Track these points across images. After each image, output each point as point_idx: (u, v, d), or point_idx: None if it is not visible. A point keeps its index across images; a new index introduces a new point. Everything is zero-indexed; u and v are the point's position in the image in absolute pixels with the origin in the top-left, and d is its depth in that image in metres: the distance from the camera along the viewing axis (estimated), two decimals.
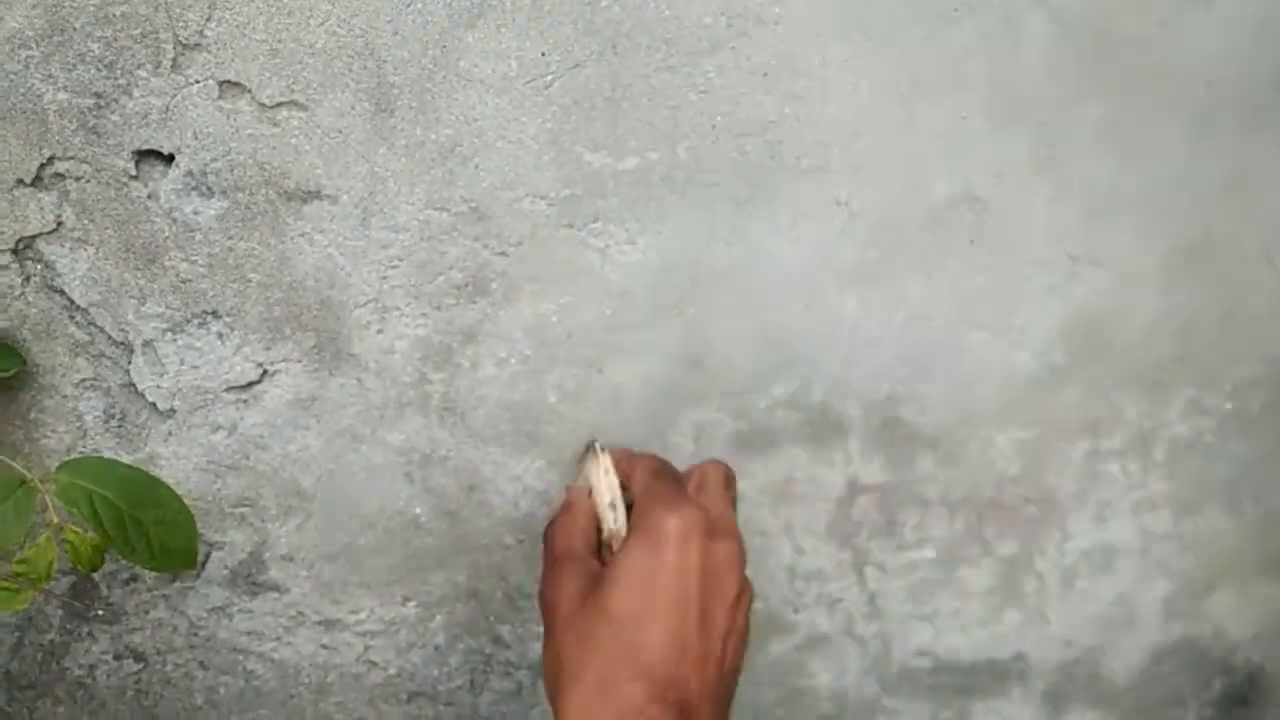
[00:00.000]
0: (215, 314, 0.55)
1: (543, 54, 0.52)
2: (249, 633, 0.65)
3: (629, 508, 0.54)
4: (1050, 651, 0.77)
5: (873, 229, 0.60)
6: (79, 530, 0.51)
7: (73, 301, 0.54)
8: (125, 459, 0.58)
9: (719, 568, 0.49)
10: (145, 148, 0.51)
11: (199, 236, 0.53)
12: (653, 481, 0.52)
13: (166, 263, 0.53)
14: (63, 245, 0.52)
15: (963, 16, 0.55)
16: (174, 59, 0.49)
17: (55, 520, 0.51)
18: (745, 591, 0.51)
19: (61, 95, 0.49)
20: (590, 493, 0.55)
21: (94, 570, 0.51)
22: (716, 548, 0.49)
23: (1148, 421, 0.70)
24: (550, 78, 0.53)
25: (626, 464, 0.55)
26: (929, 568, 0.72)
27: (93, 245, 0.53)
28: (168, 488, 0.53)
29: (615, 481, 0.55)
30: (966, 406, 0.66)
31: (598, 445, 0.56)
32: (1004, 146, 0.59)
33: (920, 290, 0.62)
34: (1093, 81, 0.59)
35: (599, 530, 0.54)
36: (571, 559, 0.52)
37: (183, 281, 0.54)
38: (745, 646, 0.52)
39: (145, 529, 0.52)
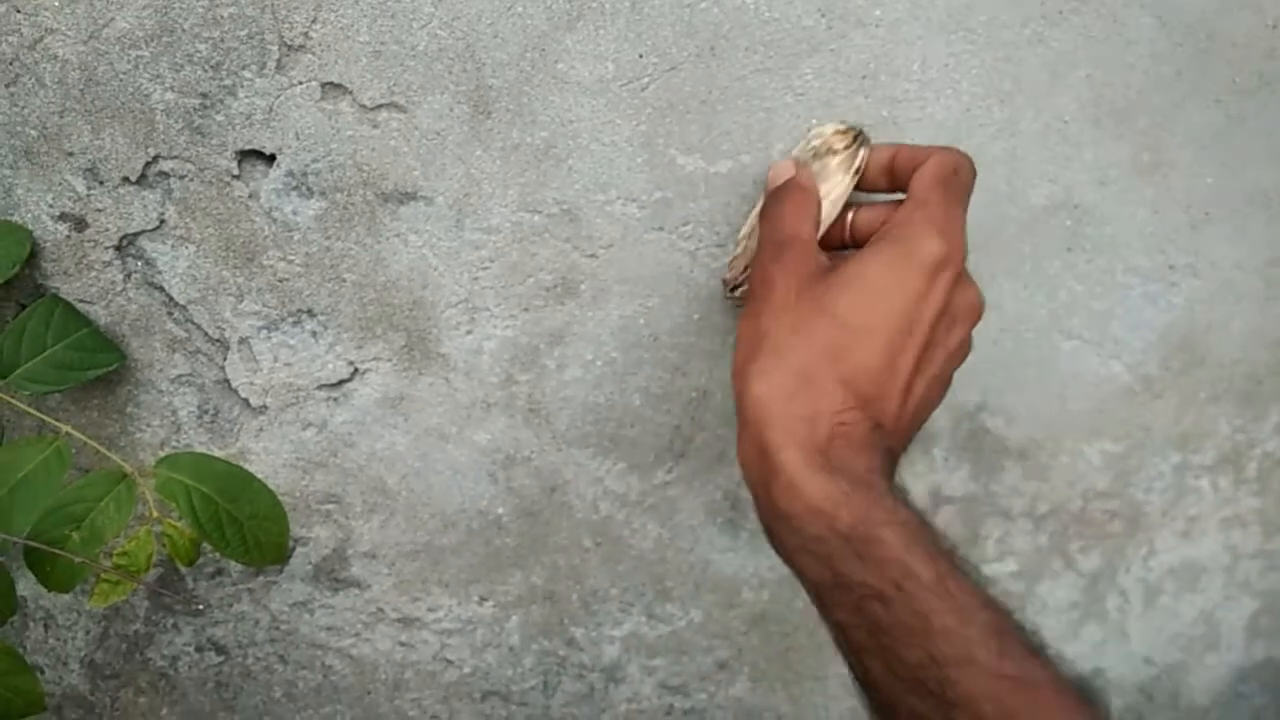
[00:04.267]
0: (310, 312, 0.56)
1: (640, 56, 0.52)
2: (329, 628, 0.65)
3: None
4: (1131, 669, 0.76)
5: (969, 234, 0.59)
6: (176, 524, 0.52)
7: (172, 298, 0.55)
8: (217, 454, 0.58)
9: (957, 313, 0.47)
10: (248, 148, 0.51)
11: (297, 236, 0.54)
12: (932, 190, 0.47)
13: (264, 261, 0.54)
14: (164, 243, 0.53)
15: (1067, 17, 0.54)
16: (279, 60, 0.50)
17: (154, 513, 0.51)
18: (965, 345, 0.48)
19: (169, 95, 0.50)
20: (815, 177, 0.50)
21: (190, 564, 0.52)
22: (963, 292, 0.47)
23: (1240, 436, 0.69)
24: (646, 80, 0.53)
25: (914, 154, 0.49)
26: (1010, 581, 0.70)
27: (193, 243, 0.53)
28: (261, 483, 0.54)
29: (856, 180, 0.49)
30: (1056, 417, 0.65)
31: (862, 131, 0.50)
32: (1105, 152, 0.58)
33: (1015, 298, 0.61)
34: (1198, 86, 0.57)
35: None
36: (801, 243, 0.47)
37: (279, 280, 0.55)
38: (944, 395, 0.49)
39: (240, 524, 0.53)
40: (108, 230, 0.52)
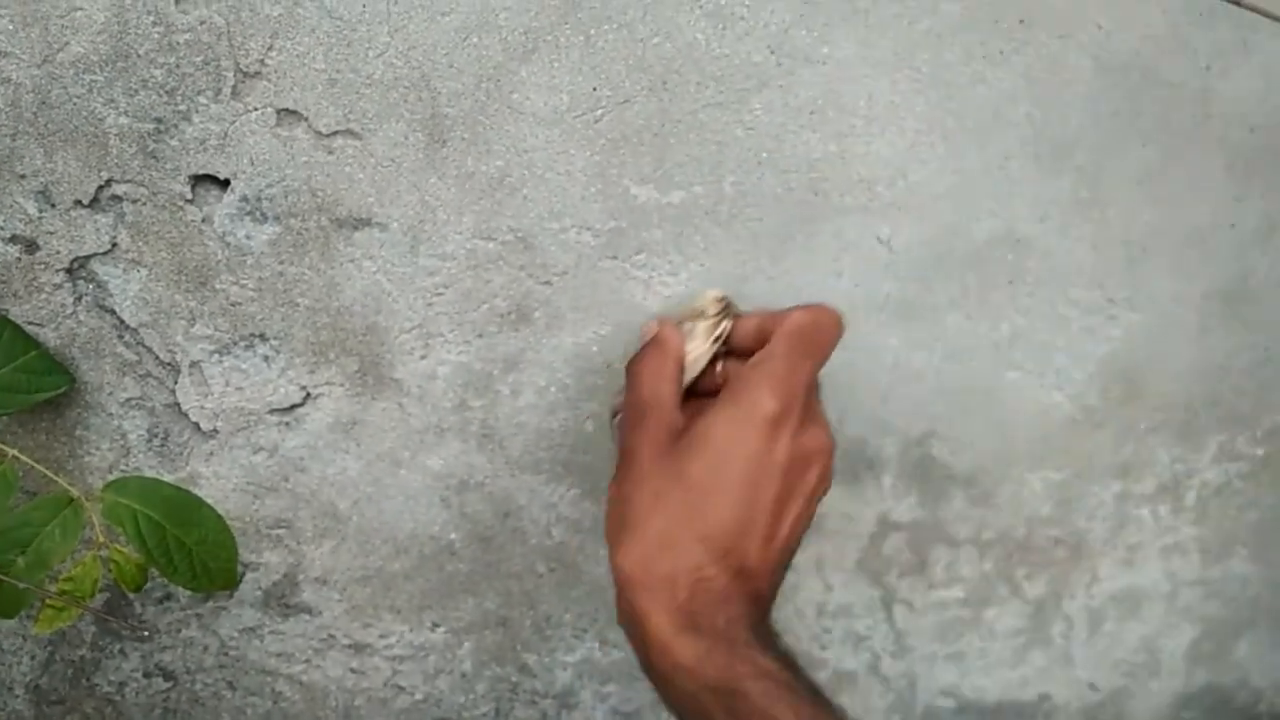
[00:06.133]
0: (262, 337, 0.56)
1: (594, 89, 0.53)
2: (279, 654, 0.65)
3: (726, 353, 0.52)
4: (1075, 694, 0.77)
5: (914, 267, 0.60)
6: (123, 550, 0.51)
7: (123, 321, 0.54)
8: (167, 478, 0.58)
9: (807, 456, 0.48)
10: (202, 172, 0.52)
11: (250, 261, 0.54)
12: (779, 344, 0.49)
13: (217, 286, 0.54)
14: (116, 266, 0.53)
15: (1008, 58, 0.56)
16: (234, 86, 0.50)
17: (101, 538, 0.51)
18: (824, 482, 0.50)
19: (123, 119, 0.50)
20: (684, 334, 0.52)
21: (138, 590, 0.52)
22: (809, 437, 0.48)
23: (1179, 466, 0.70)
24: (600, 112, 0.54)
25: (778, 316, 0.50)
26: (957, 607, 0.71)
27: (145, 267, 0.53)
28: (210, 508, 0.53)
29: (717, 347, 0.52)
30: (1001, 446, 0.67)
31: (732, 303, 0.52)
32: (1046, 188, 0.60)
33: (959, 329, 0.62)
34: (1134, 125, 0.59)
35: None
36: (659, 408, 0.49)
37: (232, 304, 0.55)
38: (808, 527, 0.51)
39: (188, 549, 0.52)
40: (59, 253, 0.52)
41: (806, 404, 0.49)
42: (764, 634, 0.46)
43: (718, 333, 0.52)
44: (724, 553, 0.46)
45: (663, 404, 0.50)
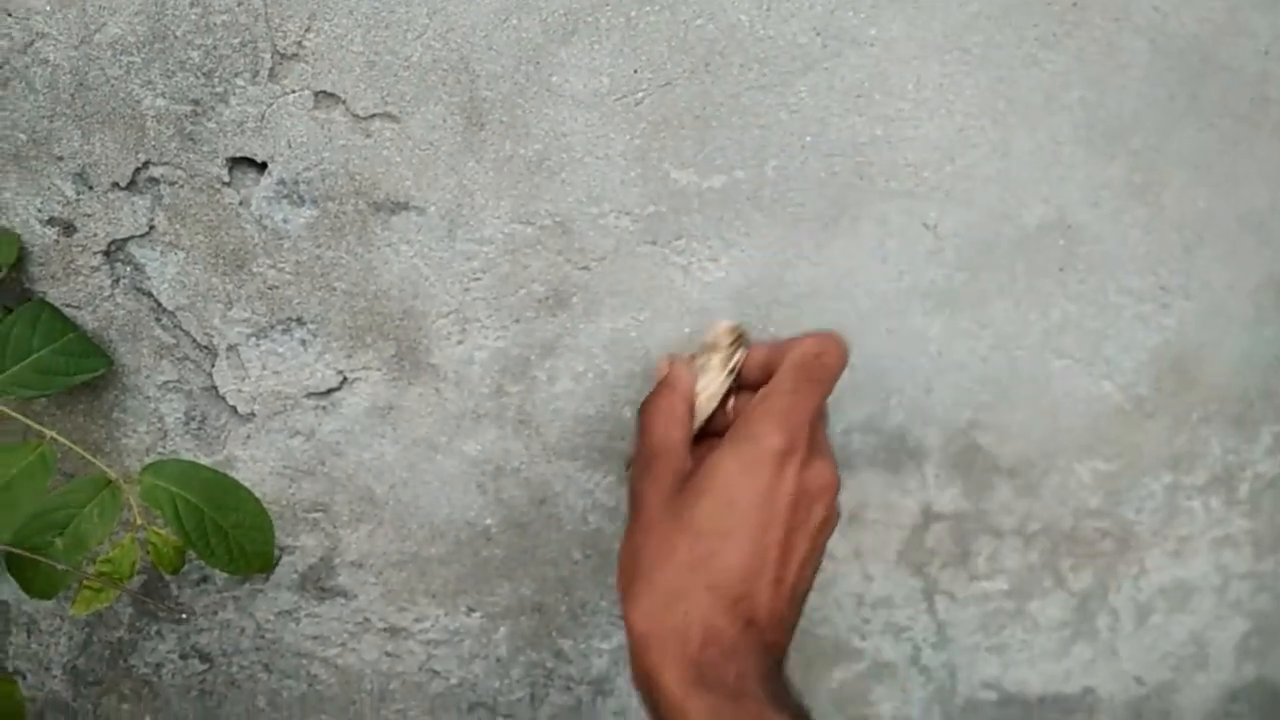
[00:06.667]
0: (300, 321, 0.55)
1: (635, 71, 0.52)
2: (315, 637, 0.65)
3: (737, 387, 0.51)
4: (1120, 688, 0.75)
5: (961, 253, 0.59)
6: (161, 532, 0.51)
7: (160, 304, 0.54)
8: (204, 461, 0.58)
9: (812, 493, 0.48)
10: (239, 155, 0.51)
11: (287, 244, 0.53)
12: (784, 378, 0.48)
13: (254, 269, 0.54)
14: (153, 249, 0.53)
15: (1061, 40, 0.54)
16: (271, 69, 0.49)
17: (139, 520, 0.51)
18: (830, 518, 0.49)
19: (160, 101, 0.50)
20: (697, 369, 0.51)
21: (175, 572, 0.52)
22: (814, 473, 0.48)
23: (1232, 458, 0.69)
24: (641, 95, 0.53)
25: (785, 346, 0.50)
26: (1000, 599, 0.70)
27: (183, 250, 0.53)
28: (247, 491, 0.53)
29: (732, 379, 0.51)
30: (1048, 436, 0.65)
31: (745, 333, 0.52)
32: (1098, 173, 0.58)
33: (1007, 316, 0.61)
34: (1190, 109, 0.57)
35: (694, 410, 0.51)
36: (668, 453, 0.49)
37: (269, 288, 0.54)
38: (819, 568, 0.50)
39: (225, 532, 0.52)
40: (96, 235, 0.52)
41: (812, 438, 0.48)
42: (776, 688, 0.45)
43: (732, 364, 0.51)
44: (734, 601, 0.45)
45: (672, 449, 0.49)
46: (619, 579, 0.48)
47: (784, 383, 0.48)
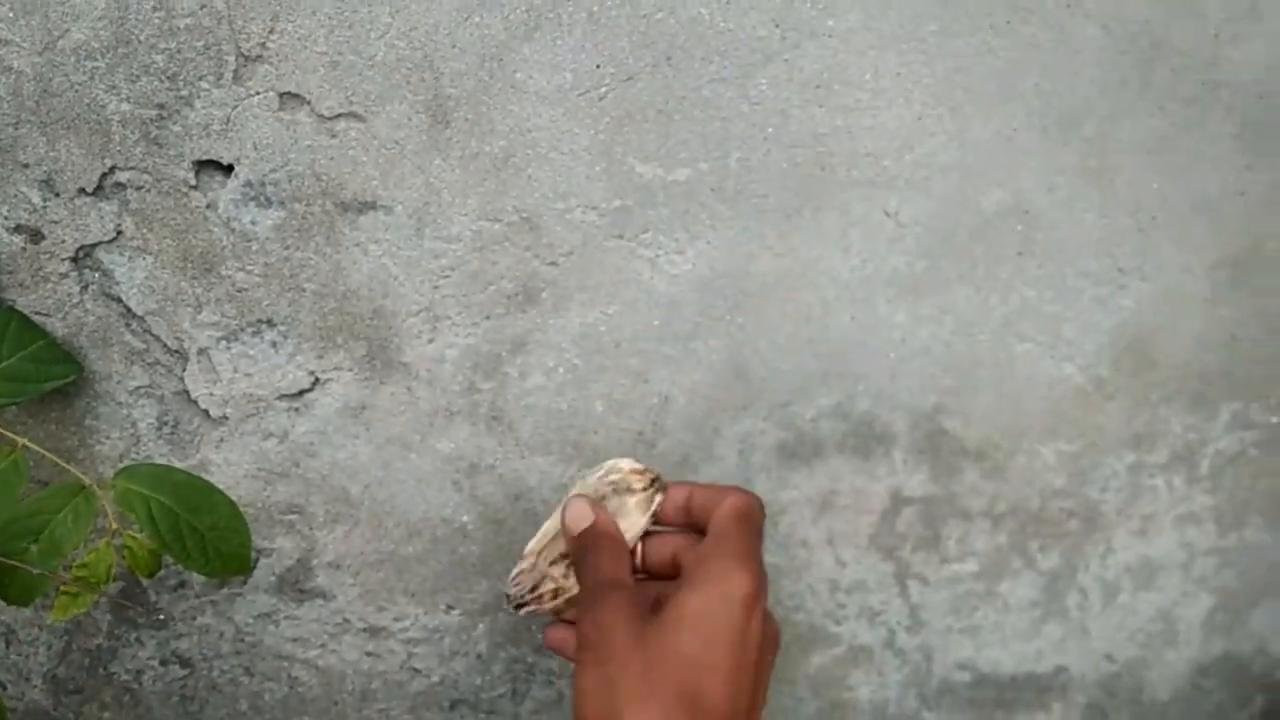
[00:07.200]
0: (269, 322, 0.56)
1: (597, 66, 0.53)
2: (294, 639, 0.65)
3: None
4: (1092, 666, 0.77)
5: (921, 240, 0.60)
6: (137, 536, 0.52)
7: (130, 310, 0.54)
8: (178, 465, 0.58)
9: (770, 636, 0.50)
10: (205, 158, 0.51)
11: (255, 246, 0.54)
12: (732, 525, 0.50)
13: (223, 272, 0.54)
14: (121, 254, 0.53)
15: (1015, 28, 0.55)
16: (236, 71, 0.50)
17: (114, 525, 0.51)
18: (772, 667, 0.52)
19: (125, 106, 0.50)
20: (609, 509, 0.53)
21: (151, 575, 0.52)
22: (770, 621, 0.50)
23: (1192, 435, 0.70)
24: (604, 89, 0.53)
25: (710, 495, 0.52)
26: (971, 581, 0.71)
27: (151, 254, 0.53)
28: (222, 494, 0.54)
29: (649, 522, 0.53)
30: (1012, 419, 0.66)
31: (659, 475, 0.54)
32: (1053, 159, 0.59)
33: (968, 302, 0.62)
34: (1143, 94, 0.59)
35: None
36: (623, 587, 0.50)
37: (238, 290, 0.55)
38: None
39: (200, 534, 0.53)
40: (64, 242, 0.52)
41: (766, 578, 0.50)
42: None
43: (653, 507, 0.53)
44: None
45: (625, 583, 0.50)
46: (588, 709, 0.47)
47: (732, 529, 0.50)
